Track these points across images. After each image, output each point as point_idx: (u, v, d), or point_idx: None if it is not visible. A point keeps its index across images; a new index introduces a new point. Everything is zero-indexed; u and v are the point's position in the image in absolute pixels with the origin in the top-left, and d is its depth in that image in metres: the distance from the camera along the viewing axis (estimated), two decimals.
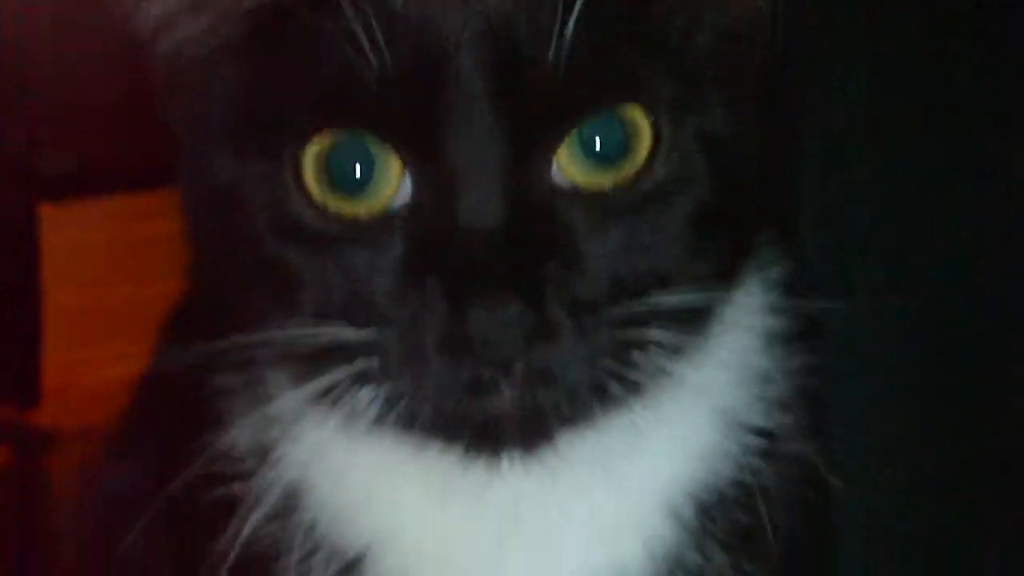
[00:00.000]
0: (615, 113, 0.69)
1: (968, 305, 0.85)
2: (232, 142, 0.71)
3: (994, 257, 0.85)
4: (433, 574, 0.76)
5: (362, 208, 0.69)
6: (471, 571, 0.76)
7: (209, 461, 0.75)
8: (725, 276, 0.73)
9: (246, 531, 0.74)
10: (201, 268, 0.78)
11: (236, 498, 0.76)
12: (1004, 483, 0.86)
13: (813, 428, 0.79)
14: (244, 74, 0.71)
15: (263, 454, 0.77)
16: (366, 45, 0.66)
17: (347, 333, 0.69)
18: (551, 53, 0.66)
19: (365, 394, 0.69)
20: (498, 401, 0.68)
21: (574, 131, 0.68)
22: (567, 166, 0.69)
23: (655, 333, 0.69)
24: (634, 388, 0.70)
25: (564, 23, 0.66)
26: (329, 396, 0.70)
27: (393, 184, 0.69)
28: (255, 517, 0.75)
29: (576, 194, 0.69)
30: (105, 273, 1.59)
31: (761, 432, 0.78)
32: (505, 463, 0.71)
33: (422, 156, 0.68)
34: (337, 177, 0.69)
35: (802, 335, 0.79)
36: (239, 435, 0.77)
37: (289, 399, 0.75)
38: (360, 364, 0.69)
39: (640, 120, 0.69)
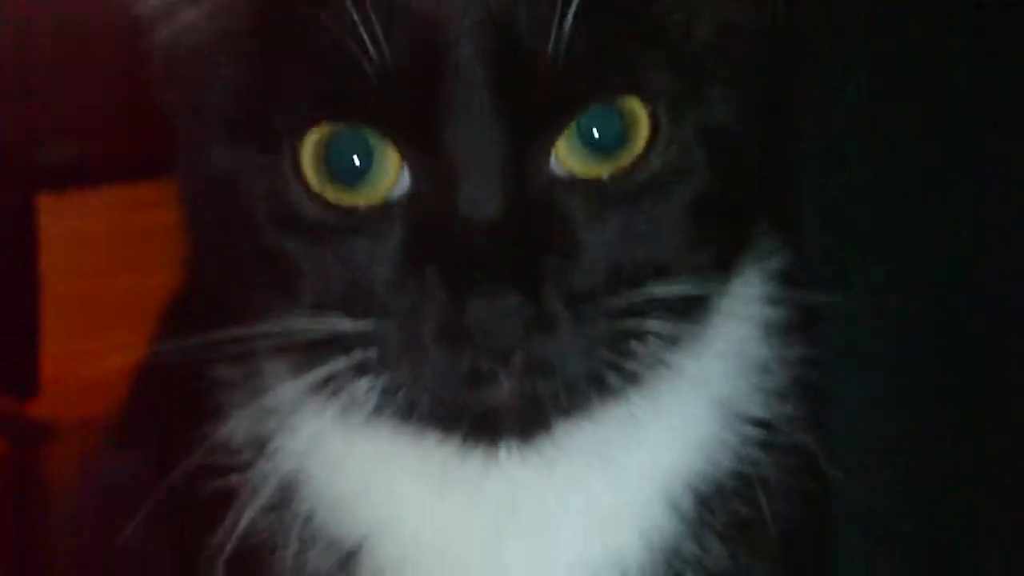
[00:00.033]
0: (614, 104, 0.69)
1: (968, 302, 0.86)
2: (230, 132, 0.71)
3: (994, 255, 0.85)
4: (431, 564, 0.76)
5: (361, 198, 0.69)
6: (469, 561, 0.76)
7: (207, 452, 0.75)
8: (723, 266, 0.73)
9: (243, 523, 0.74)
10: (199, 258, 0.78)
11: (234, 489, 0.76)
12: (1003, 478, 0.86)
13: (812, 419, 0.78)
14: (242, 65, 0.71)
15: (261, 445, 0.77)
16: (365, 38, 0.66)
17: (345, 324, 0.69)
18: (550, 45, 0.66)
19: (363, 384, 0.69)
20: (496, 391, 0.68)
21: (573, 122, 0.68)
22: (565, 156, 0.69)
23: (653, 323, 0.70)
24: (632, 378, 0.70)
25: (563, 16, 0.66)
26: (327, 387, 0.70)
27: (392, 175, 0.69)
28: (252, 508, 0.75)
29: (574, 184, 0.69)
30: (104, 263, 1.59)
31: (760, 423, 0.78)
32: (503, 453, 0.71)
33: (421, 149, 0.68)
34: (335, 168, 0.69)
35: (801, 326, 0.79)
36: (237, 426, 0.77)
37: (287, 390, 0.74)
38: (358, 354, 0.69)
39: (638, 111, 0.69)
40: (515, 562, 0.75)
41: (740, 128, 0.72)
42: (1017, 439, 0.85)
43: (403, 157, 0.68)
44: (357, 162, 0.68)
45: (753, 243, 0.77)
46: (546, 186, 0.68)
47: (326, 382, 0.70)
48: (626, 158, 0.69)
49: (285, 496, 0.76)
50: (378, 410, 0.70)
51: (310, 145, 0.69)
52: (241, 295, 0.73)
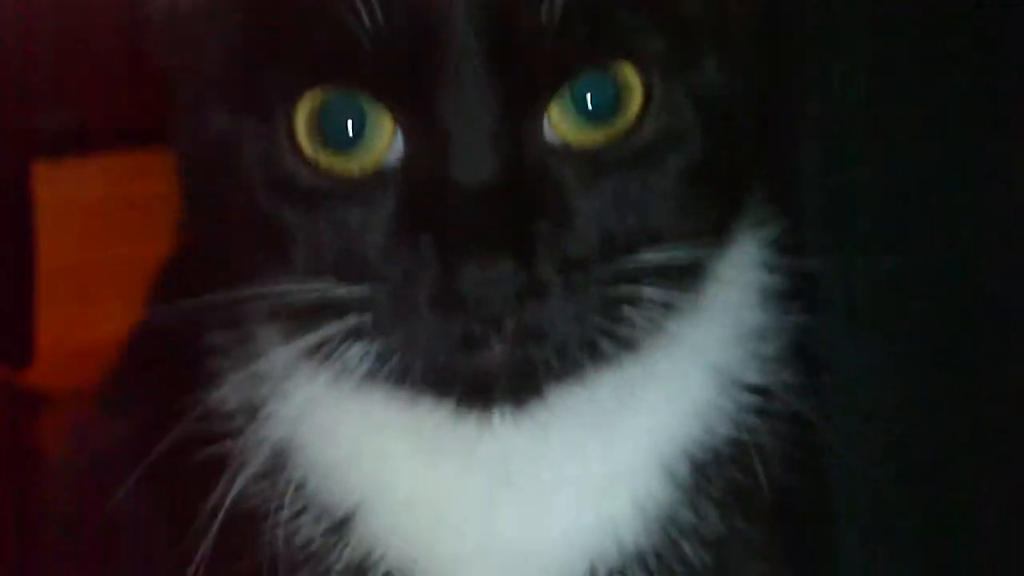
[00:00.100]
0: (607, 71, 0.69)
1: (966, 267, 0.85)
2: (226, 97, 0.71)
3: (995, 217, 0.85)
4: (423, 531, 0.76)
5: (354, 164, 0.69)
6: (462, 527, 0.76)
7: (199, 419, 0.74)
8: (718, 233, 0.73)
9: (235, 489, 0.74)
10: (194, 224, 0.78)
11: (226, 456, 0.76)
12: (1000, 446, 0.86)
13: (809, 386, 0.78)
14: (239, 29, 0.71)
15: (253, 411, 0.77)
16: (360, 3, 0.66)
17: (339, 289, 0.69)
18: (544, 11, 0.66)
19: (357, 350, 0.69)
20: (489, 356, 0.68)
21: (566, 89, 0.68)
22: (559, 123, 0.69)
23: (646, 290, 0.69)
24: (626, 345, 0.70)
25: None
26: (320, 352, 0.70)
27: (385, 141, 0.69)
28: (245, 475, 0.75)
29: (567, 151, 0.69)
30: (100, 231, 1.59)
31: (756, 389, 0.78)
32: (496, 418, 0.71)
33: (415, 114, 0.68)
34: (329, 134, 0.69)
35: (797, 293, 0.79)
36: (229, 392, 0.77)
37: (280, 355, 0.74)
38: (352, 320, 0.69)
39: (631, 78, 0.69)
40: (508, 528, 0.75)
41: (734, 96, 0.72)
42: (1014, 406, 0.85)
43: (397, 122, 0.68)
44: (351, 128, 0.68)
45: (748, 210, 0.77)
46: (540, 153, 0.68)
47: (319, 347, 0.70)
48: (620, 125, 0.69)
49: (277, 463, 0.76)
50: (371, 375, 0.70)
51: (304, 111, 0.69)
52: (235, 260, 0.72)
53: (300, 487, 0.76)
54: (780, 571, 0.80)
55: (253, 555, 0.76)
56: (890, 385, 0.86)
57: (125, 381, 0.88)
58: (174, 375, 0.79)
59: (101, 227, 1.60)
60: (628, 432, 0.76)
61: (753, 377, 0.78)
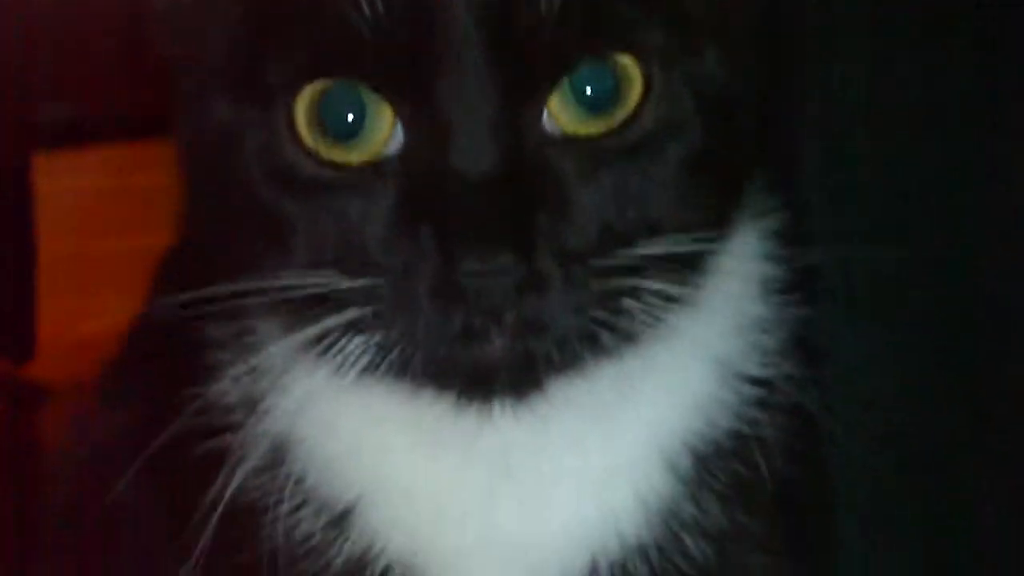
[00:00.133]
0: (606, 62, 0.69)
1: (967, 261, 0.85)
2: (227, 87, 0.71)
3: (997, 212, 0.85)
4: (424, 524, 0.76)
5: (354, 155, 0.69)
6: (462, 520, 0.75)
7: (199, 412, 0.74)
8: (718, 224, 0.72)
9: (235, 483, 0.74)
10: (194, 215, 0.78)
11: (225, 450, 0.75)
12: (1000, 439, 0.86)
13: (810, 378, 0.78)
14: (240, 19, 0.70)
15: (253, 405, 0.76)
16: None
17: (339, 281, 0.68)
18: (543, 2, 0.66)
19: (357, 342, 0.69)
20: (489, 349, 0.68)
21: (566, 80, 0.68)
22: (559, 114, 0.68)
23: (647, 282, 0.69)
24: (626, 337, 0.70)
25: None
26: (320, 345, 0.70)
27: (385, 131, 0.68)
28: (244, 469, 0.74)
29: (567, 142, 0.68)
30: (101, 223, 1.59)
31: (758, 381, 0.77)
32: (496, 411, 0.71)
33: (414, 104, 0.67)
34: (329, 124, 0.68)
35: (799, 285, 0.79)
36: (229, 386, 0.77)
37: (279, 349, 0.74)
38: (352, 312, 0.69)
39: (631, 69, 0.69)
40: (509, 521, 0.75)
41: (734, 87, 0.71)
42: (1013, 399, 0.85)
43: (396, 113, 0.68)
44: (350, 118, 0.68)
45: (749, 201, 0.77)
46: (539, 144, 0.68)
47: (319, 340, 0.70)
48: (619, 116, 0.69)
49: (277, 456, 0.76)
50: (371, 368, 0.70)
51: (304, 102, 0.68)
52: (235, 252, 0.72)
53: (300, 481, 0.76)
54: (781, 563, 0.79)
55: (253, 549, 0.76)
56: (890, 377, 0.86)
57: (125, 374, 0.88)
58: (173, 368, 0.79)
59: (102, 219, 1.60)
60: (629, 424, 0.76)
61: (754, 369, 0.78)
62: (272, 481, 0.76)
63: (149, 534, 0.81)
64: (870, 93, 0.85)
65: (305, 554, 0.76)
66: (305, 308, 0.69)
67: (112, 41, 1.43)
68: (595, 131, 0.68)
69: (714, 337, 0.77)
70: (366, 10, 0.66)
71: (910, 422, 0.86)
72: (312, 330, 0.69)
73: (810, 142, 0.86)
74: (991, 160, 0.85)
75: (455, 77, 0.66)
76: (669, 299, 0.70)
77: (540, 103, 0.68)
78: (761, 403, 0.77)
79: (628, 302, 0.69)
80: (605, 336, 0.69)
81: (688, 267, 0.71)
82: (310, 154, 0.68)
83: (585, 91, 0.68)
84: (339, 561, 0.76)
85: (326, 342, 0.69)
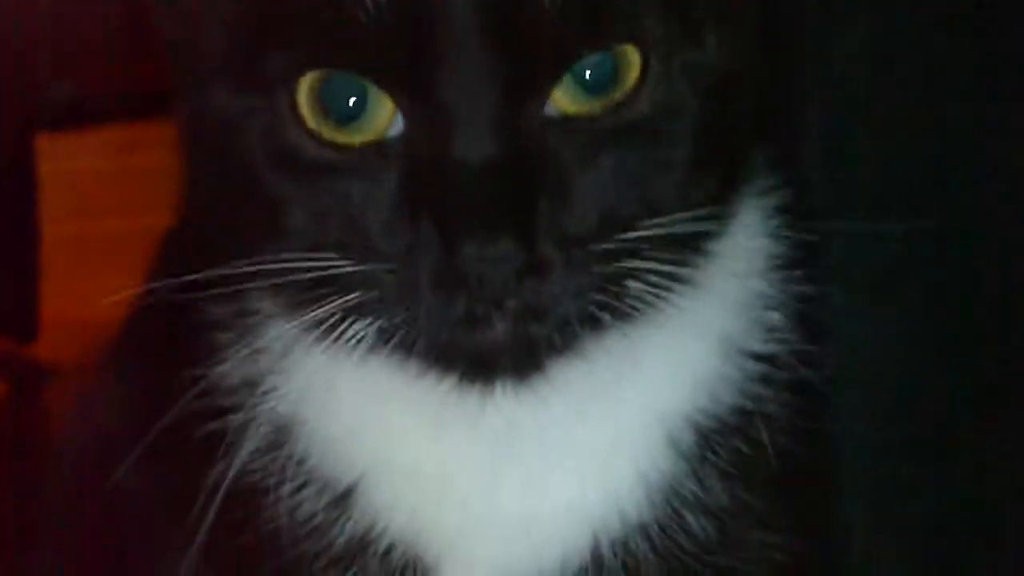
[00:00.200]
0: (608, 52, 0.68)
1: (969, 236, 0.86)
2: (228, 72, 0.70)
3: (998, 183, 0.85)
4: (426, 503, 0.76)
5: (357, 136, 0.68)
6: (464, 499, 0.76)
7: (200, 394, 0.74)
8: (719, 204, 0.72)
9: (237, 464, 0.74)
10: (196, 196, 0.78)
11: (227, 431, 0.75)
12: (1004, 412, 0.86)
13: (814, 354, 0.78)
14: (239, 8, 0.70)
15: (254, 386, 0.76)
16: None
17: (342, 266, 0.68)
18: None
19: (359, 326, 0.69)
20: (491, 333, 0.68)
21: (568, 72, 0.68)
22: (558, 97, 0.68)
23: (648, 264, 0.69)
24: (627, 318, 0.70)
25: None
26: (322, 327, 0.70)
27: (386, 116, 0.68)
28: (246, 450, 0.75)
29: (565, 123, 0.68)
30: (104, 203, 1.59)
31: (761, 358, 0.77)
32: (498, 392, 0.71)
33: (415, 98, 0.67)
34: (331, 108, 0.68)
35: (802, 261, 0.79)
36: (230, 367, 0.77)
37: (281, 330, 0.74)
38: (354, 296, 0.69)
39: (631, 53, 0.68)
40: (511, 500, 0.75)
41: (734, 70, 0.71)
42: (1018, 374, 0.85)
43: (396, 104, 0.68)
44: (352, 102, 0.68)
45: (752, 179, 0.77)
46: (539, 128, 0.68)
47: (321, 323, 0.70)
48: (616, 96, 0.68)
49: (279, 437, 0.76)
50: (374, 351, 0.70)
51: (305, 87, 0.68)
52: (236, 233, 0.72)
53: (302, 461, 0.76)
54: (783, 540, 0.79)
55: (255, 529, 0.76)
56: (894, 353, 0.86)
57: (126, 354, 0.87)
58: (175, 349, 0.79)
59: (105, 199, 1.59)
60: (631, 403, 0.76)
61: (758, 345, 0.77)
62: (274, 462, 0.76)
63: (151, 515, 0.81)
64: (871, 70, 0.85)
65: (307, 534, 0.76)
66: (307, 291, 0.69)
67: (114, 21, 1.43)
68: (592, 109, 0.68)
69: (717, 314, 0.77)
70: (368, 3, 0.65)
71: (913, 399, 0.86)
72: (314, 314, 0.69)
73: (811, 119, 0.86)
74: (993, 126, 0.85)
75: (455, 70, 0.66)
76: (671, 280, 0.70)
77: (543, 96, 0.68)
78: (765, 379, 0.77)
79: (629, 284, 0.69)
80: (606, 318, 0.69)
81: (689, 248, 0.71)
82: (313, 136, 0.68)
83: (584, 74, 0.68)
84: (341, 541, 0.76)
85: (328, 325, 0.69)
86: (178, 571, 0.76)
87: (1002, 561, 0.87)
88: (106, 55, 1.50)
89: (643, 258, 0.69)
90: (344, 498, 0.76)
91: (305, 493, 0.76)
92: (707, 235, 0.72)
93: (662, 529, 0.76)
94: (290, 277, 0.69)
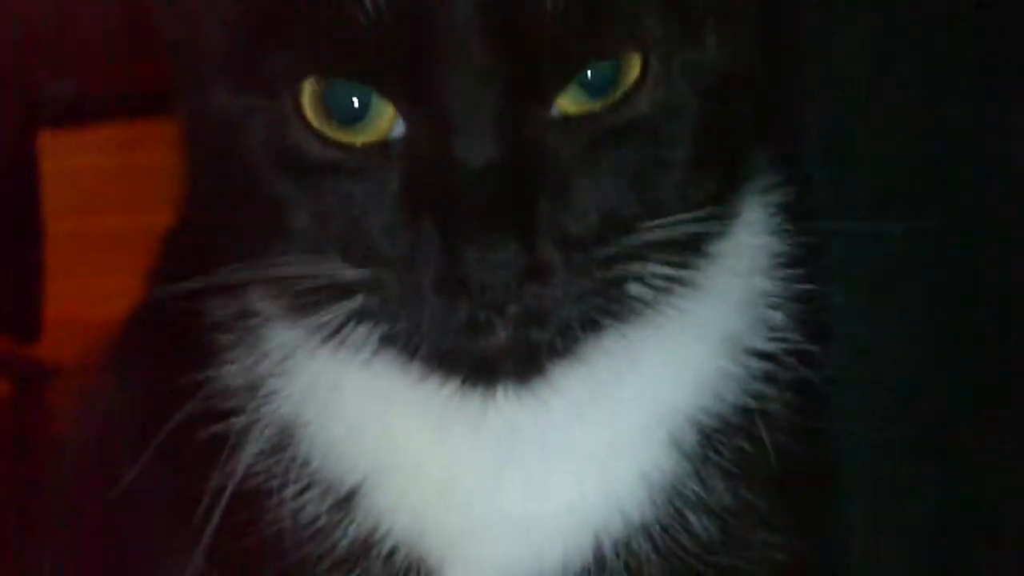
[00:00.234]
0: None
1: (969, 235, 0.86)
2: (230, 74, 0.70)
3: (996, 188, 0.85)
4: (429, 504, 0.76)
5: (360, 137, 0.68)
6: (467, 501, 0.76)
7: (203, 396, 0.74)
8: (720, 204, 0.72)
9: (241, 467, 0.74)
10: (197, 196, 0.78)
11: (231, 434, 0.75)
12: (1005, 411, 0.86)
13: (816, 353, 0.78)
14: (236, 12, 0.70)
15: (257, 388, 0.76)
16: None
17: (345, 271, 0.69)
18: (549, 2, 0.65)
19: (362, 331, 0.70)
20: (493, 340, 0.68)
21: (574, 80, 0.68)
22: (560, 99, 0.68)
23: (649, 266, 0.69)
24: (628, 320, 0.71)
25: None
26: (324, 331, 0.70)
27: (388, 118, 0.68)
28: (250, 453, 0.75)
29: (566, 124, 0.68)
30: (107, 201, 1.59)
31: (764, 356, 0.77)
32: (500, 395, 0.72)
33: (416, 105, 0.67)
34: (335, 108, 0.68)
35: (805, 259, 0.79)
36: (233, 369, 0.77)
37: (284, 333, 0.75)
38: (357, 301, 0.69)
39: (633, 57, 0.68)
40: (514, 501, 0.75)
41: (733, 69, 0.71)
42: (1018, 374, 0.85)
43: (397, 109, 0.68)
44: (355, 102, 0.68)
45: (754, 176, 0.77)
46: (540, 130, 0.68)
47: (324, 326, 0.70)
48: (616, 94, 0.68)
49: (282, 439, 0.76)
50: (377, 354, 0.70)
51: (309, 89, 0.68)
52: (238, 235, 0.72)
53: (305, 463, 0.76)
54: (785, 540, 0.79)
55: (259, 532, 0.76)
56: (894, 353, 0.86)
57: (127, 355, 0.87)
58: (176, 350, 0.79)
59: (106, 196, 1.60)
60: (633, 403, 0.76)
61: (761, 343, 0.77)
62: (277, 464, 0.76)
63: (152, 516, 0.81)
64: (871, 70, 0.85)
65: (311, 537, 0.76)
66: (310, 295, 0.70)
67: (116, 20, 1.43)
68: (593, 109, 0.68)
69: (720, 313, 0.77)
70: (368, 7, 0.65)
71: (913, 399, 0.86)
72: (318, 318, 0.70)
73: (811, 119, 0.86)
74: (993, 126, 0.85)
75: (456, 73, 0.66)
76: (671, 281, 0.71)
77: (548, 103, 0.68)
78: (767, 378, 0.77)
79: (630, 287, 0.69)
80: (607, 321, 0.70)
81: (690, 249, 0.71)
82: (317, 135, 0.68)
83: (586, 76, 0.68)
84: (345, 543, 0.76)
85: (331, 329, 0.70)
86: (179, 572, 0.77)
87: (1002, 561, 0.87)
88: (107, 53, 1.50)
89: (644, 260, 0.69)
90: (347, 500, 0.76)
91: (308, 496, 0.76)
92: (708, 236, 0.72)
93: (664, 529, 0.76)
94: (292, 283, 0.70)
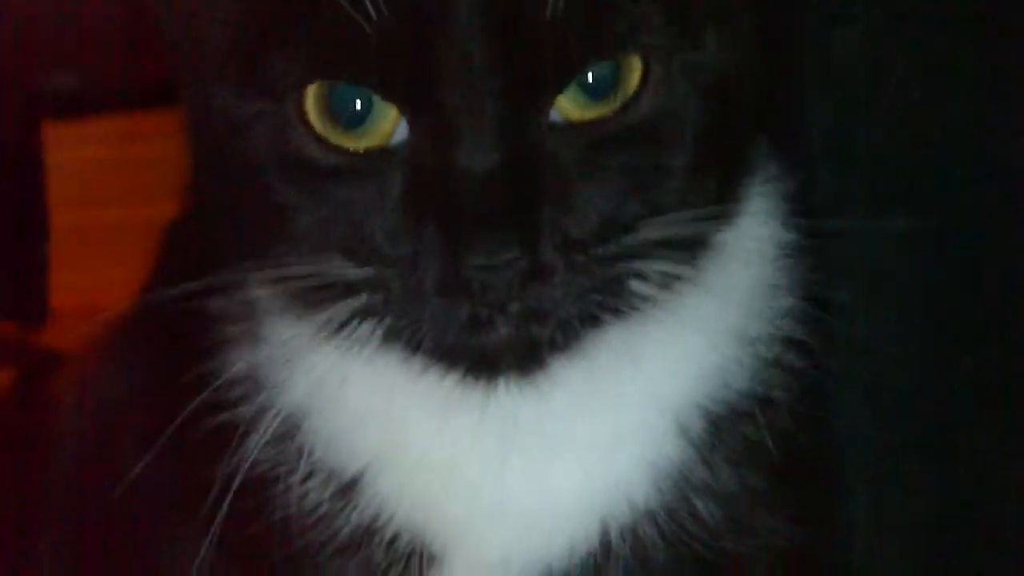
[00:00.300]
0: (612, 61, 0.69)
1: (972, 229, 0.86)
2: (230, 74, 0.70)
3: (999, 182, 0.85)
4: (433, 492, 0.77)
5: (363, 141, 0.69)
6: (471, 488, 0.76)
7: (208, 387, 0.75)
8: (722, 201, 0.73)
9: (248, 456, 0.75)
10: (200, 192, 0.79)
11: (235, 425, 0.76)
12: (1006, 404, 0.86)
13: (821, 342, 0.79)
14: (238, 17, 0.70)
15: (262, 380, 0.77)
16: None
17: (348, 270, 0.69)
18: (549, 6, 0.66)
19: (366, 327, 0.70)
20: (494, 336, 0.69)
21: (573, 81, 0.68)
22: (561, 103, 0.69)
23: (650, 264, 0.70)
24: (630, 316, 0.71)
25: None
26: (329, 327, 0.71)
27: (391, 122, 0.69)
28: (256, 442, 0.75)
29: (567, 127, 0.69)
30: (112, 191, 1.59)
31: (770, 343, 0.78)
32: (502, 388, 0.72)
33: (417, 108, 0.68)
34: (339, 113, 0.69)
35: (809, 248, 0.79)
36: (238, 361, 0.77)
37: (289, 327, 0.75)
38: (360, 300, 0.70)
39: (634, 60, 0.69)
40: (518, 489, 0.76)
41: (733, 70, 0.71)
42: (1018, 372, 0.86)
43: (400, 112, 0.68)
44: (358, 106, 0.68)
45: (755, 170, 0.77)
46: (541, 134, 0.68)
47: (328, 323, 0.71)
48: (618, 100, 0.69)
49: (287, 429, 0.77)
50: (380, 349, 0.71)
51: (312, 93, 0.69)
52: (241, 234, 0.73)
53: (309, 452, 0.77)
54: (789, 526, 0.80)
55: (265, 519, 0.77)
56: (894, 353, 0.86)
57: (130, 344, 0.87)
58: (179, 340, 0.79)
59: (113, 187, 1.59)
60: (637, 394, 0.76)
61: (766, 330, 0.78)
62: (282, 453, 0.77)
63: (154, 505, 0.81)
64: (871, 70, 0.85)
65: (314, 523, 0.77)
66: (313, 293, 0.70)
67: (119, 11, 1.43)
68: (595, 116, 0.69)
69: (724, 303, 0.77)
70: (370, 12, 0.66)
71: (913, 399, 0.86)
72: (322, 316, 0.70)
73: (811, 120, 0.86)
74: (997, 122, 0.85)
75: (458, 79, 0.66)
76: (673, 278, 0.71)
77: (548, 104, 0.68)
78: (772, 365, 0.78)
79: (631, 283, 0.70)
80: (609, 317, 0.70)
81: (691, 246, 0.72)
82: (320, 140, 0.69)
83: (587, 80, 0.68)
84: (347, 529, 0.77)
85: (335, 325, 0.70)
86: (183, 559, 0.77)
87: (1002, 560, 0.87)
88: (110, 45, 1.50)
89: (644, 259, 0.70)
90: (349, 488, 0.77)
91: (311, 483, 0.77)
92: (710, 233, 0.73)
93: (670, 515, 0.77)
94: (296, 282, 0.70)
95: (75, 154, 1.61)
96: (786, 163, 0.80)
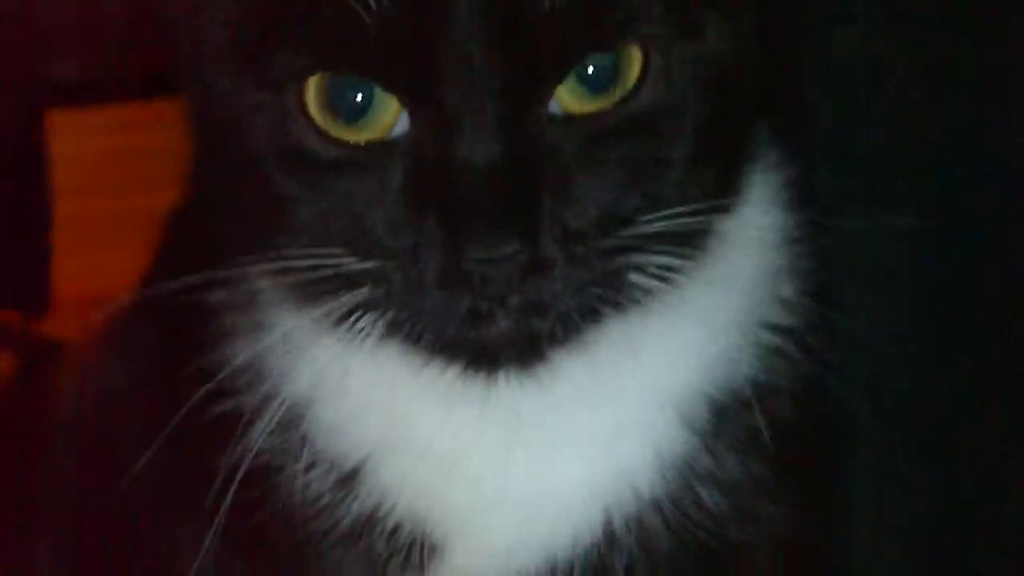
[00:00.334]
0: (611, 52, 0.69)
1: (973, 225, 0.86)
2: (231, 67, 0.71)
3: (1000, 179, 0.86)
4: (434, 482, 0.77)
5: (364, 134, 0.69)
6: (474, 478, 0.77)
7: (210, 377, 0.75)
8: (722, 193, 0.73)
9: (252, 446, 0.75)
10: (201, 183, 0.79)
11: (239, 414, 0.76)
12: (1003, 409, 0.87)
13: (823, 331, 0.79)
14: (239, 11, 0.70)
15: (263, 370, 0.77)
16: None
17: (350, 263, 0.69)
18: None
19: (367, 319, 0.70)
20: (495, 329, 0.69)
21: (572, 71, 0.68)
22: (561, 96, 0.69)
23: (651, 257, 0.70)
24: (630, 308, 0.71)
25: None
26: (331, 319, 0.71)
27: (392, 114, 0.69)
28: (258, 432, 0.76)
29: (567, 120, 0.69)
30: (115, 180, 1.59)
31: (773, 330, 0.78)
32: (502, 380, 0.73)
33: (419, 100, 0.68)
34: (340, 106, 0.69)
35: (810, 238, 0.79)
36: (239, 351, 0.77)
37: (291, 318, 0.75)
38: (363, 292, 0.70)
39: (632, 49, 0.69)
40: (521, 479, 0.76)
41: (733, 62, 0.72)
42: (1018, 372, 0.86)
43: (401, 104, 0.68)
44: (359, 98, 0.69)
45: (756, 159, 0.77)
46: (542, 127, 0.68)
47: (330, 315, 0.71)
48: (618, 93, 0.69)
49: (289, 418, 0.77)
50: (382, 340, 0.71)
51: (313, 85, 0.69)
52: (243, 225, 0.73)
53: (311, 442, 0.77)
54: (792, 515, 0.80)
55: (266, 509, 0.77)
56: (894, 352, 0.86)
57: (130, 333, 0.87)
58: (182, 332, 0.79)
59: (115, 176, 1.59)
60: (639, 384, 0.77)
61: (770, 318, 0.78)
62: (284, 442, 0.77)
63: (155, 494, 0.81)
64: (871, 70, 0.85)
65: (317, 513, 0.78)
66: (315, 285, 0.71)
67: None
68: (594, 107, 0.69)
69: (727, 290, 0.77)
70: (370, 3, 0.66)
71: (913, 398, 0.86)
72: (323, 308, 0.70)
73: (811, 119, 0.86)
74: (997, 118, 0.85)
75: (458, 71, 0.66)
76: (673, 270, 0.71)
77: (547, 96, 0.68)
78: (776, 352, 0.78)
79: (632, 276, 0.70)
80: (609, 310, 0.71)
81: (692, 238, 0.72)
82: (321, 133, 0.69)
83: (587, 72, 0.68)
84: (348, 519, 0.77)
85: (335, 318, 0.71)
86: (184, 558, 0.77)
87: (1002, 561, 0.87)
88: (113, 34, 1.50)
89: (644, 252, 0.70)
90: (351, 478, 0.77)
91: (313, 473, 0.77)
92: (711, 223, 0.73)
93: (675, 504, 0.77)
94: (297, 274, 0.70)
95: (77, 143, 1.61)
96: (787, 150, 0.80)
